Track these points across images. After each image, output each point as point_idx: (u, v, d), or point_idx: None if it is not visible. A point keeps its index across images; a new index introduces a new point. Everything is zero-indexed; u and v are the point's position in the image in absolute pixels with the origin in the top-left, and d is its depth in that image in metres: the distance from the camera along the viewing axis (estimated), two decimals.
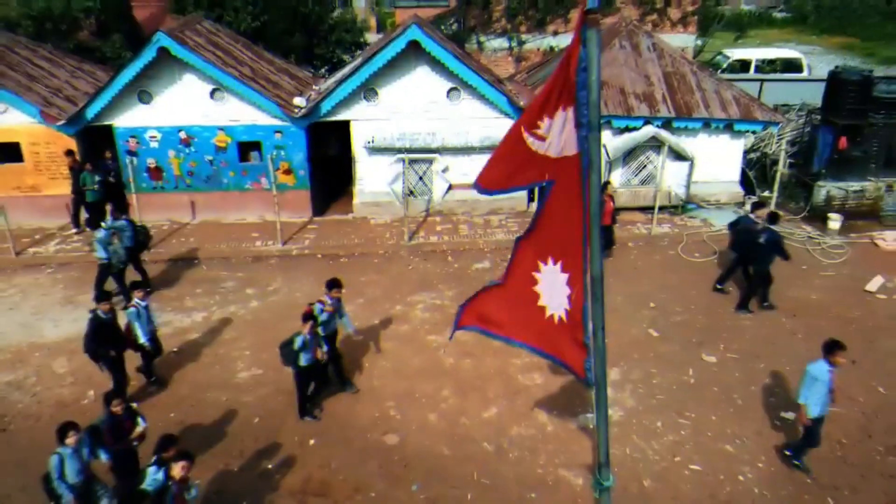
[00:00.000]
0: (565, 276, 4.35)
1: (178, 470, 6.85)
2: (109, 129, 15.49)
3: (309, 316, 9.30)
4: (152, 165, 15.80)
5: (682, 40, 23.17)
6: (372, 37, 26.62)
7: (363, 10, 34.47)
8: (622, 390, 10.32)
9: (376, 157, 16.08)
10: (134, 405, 8.31)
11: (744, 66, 26.33)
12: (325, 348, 9.55)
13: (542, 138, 3.82)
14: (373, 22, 33.98)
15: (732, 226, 12.95)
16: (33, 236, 15.49)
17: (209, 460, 9.00)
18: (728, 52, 27.81)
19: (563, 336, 4.40)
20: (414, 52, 14.99)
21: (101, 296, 9.72)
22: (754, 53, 27.34)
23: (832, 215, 15.96)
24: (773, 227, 12.07)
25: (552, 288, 4.43)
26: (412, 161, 15.97)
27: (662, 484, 8.61)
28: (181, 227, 15.97)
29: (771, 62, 26.59)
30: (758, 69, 26.04)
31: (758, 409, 9.92)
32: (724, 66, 25.99)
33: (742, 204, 17.05)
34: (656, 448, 9.18)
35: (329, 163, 17.87)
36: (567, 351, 4.33)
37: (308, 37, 21.59)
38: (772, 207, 15.86)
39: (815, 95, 18.96)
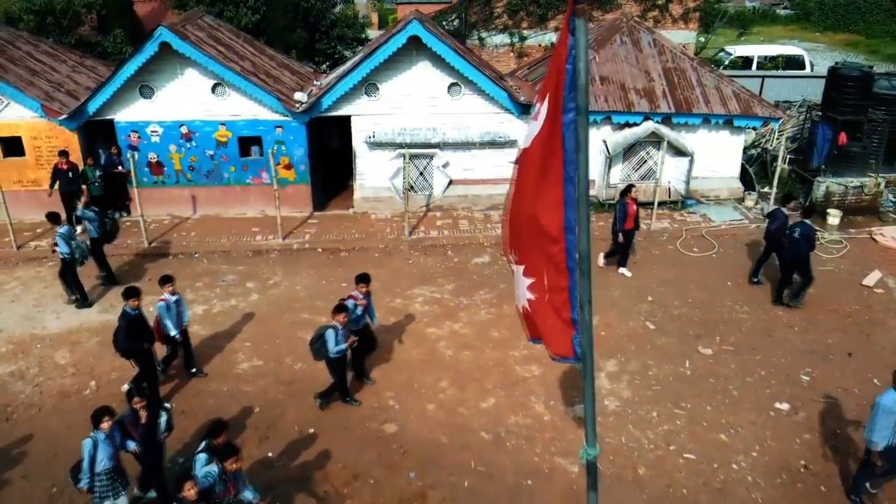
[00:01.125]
0: (521, 268, 4.37)
1: (231, 464, 6.86)
2: (108, 123, 15.59)
3: (342, 308, 9.33)
4: (153, 160, 15.89)
5: (683, 37, 23.19)
6: (373, 33, 26.69)
7: (364, 7, 34.55)
8: (619, 381, 10.40)
9: (377, 152, 16.16)
10: (167, 405, 8.37)
11: (746, 62, 26.38)
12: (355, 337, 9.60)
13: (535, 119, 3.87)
14: (374, 18, 34.07)
15: (769, 217, 13.12)
16: (34, 230, 15.59)
17: None
18: (730, 48, 27.87)
19: (539, 320, 4.39)
20: (415, 48, 15.06)
21: (129, 292, 9.64)
22: (756, 50, 27.39)
23: (831, 211, 16.01)
24: (807, 221, 12.14)
25: (517, 280, 4.48)
26: (413, 156, 16.03)
27: (657, 472, 8.69)
28: (182, 222, 16.06)
29: (773, 59, 26.64)
30: (760, 66, 26.09)
31: (753, 400, 9.99)
32: (726, 62, 26.04)
33: (742, 200, 17.11)
34: (651, 437, 9.26)
35: (330, 158, 17.95)
36: (550, 335, 4.33)
37: (309, 32, 21.66)
38: (771, 204, 15.98)
39: (816, 92, 19.02)
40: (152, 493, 8.25)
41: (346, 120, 15.94)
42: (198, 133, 15.67)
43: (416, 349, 11.35)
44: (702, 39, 26.92)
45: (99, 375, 10.68)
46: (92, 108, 15.11)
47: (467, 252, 14.83)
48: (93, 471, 7.42)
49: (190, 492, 6.32)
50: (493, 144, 16.09)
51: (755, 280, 13.33)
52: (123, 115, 15.45)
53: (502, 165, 16.21)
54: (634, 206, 13.35)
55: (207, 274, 13.78)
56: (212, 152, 15.87)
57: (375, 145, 16.03)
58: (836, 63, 17.40)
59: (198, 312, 12.41)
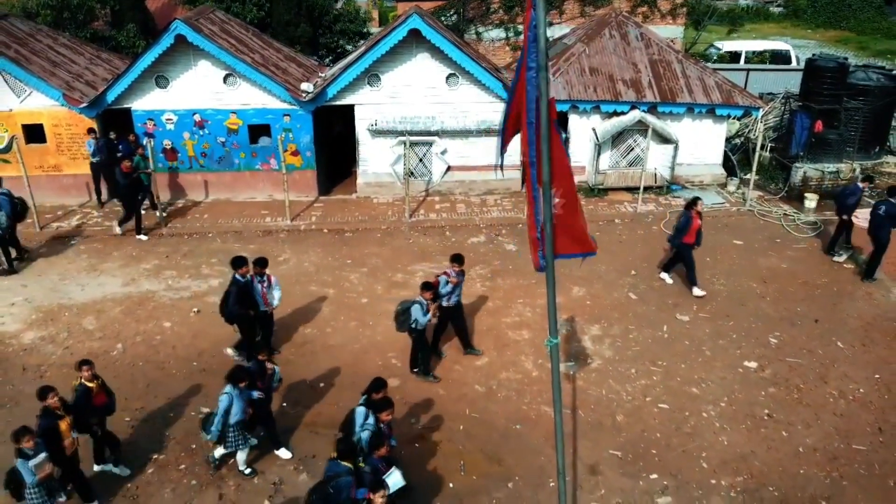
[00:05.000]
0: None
1: (385, 416, 7.69)
2: (120, 115, 16.52)
3: (429, 284, 9.97)
4: (168, 146, 16.81)
5: (671, 32, 24.10)
6: (374, 30, 27.59)
7: (365, 4, 35.45)
8: (601, 343, 11.36)
9: (379, 139, 17.08)
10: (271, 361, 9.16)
11: (734, 57, 27.35)
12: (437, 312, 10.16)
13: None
14: (375, 14, 34.97)
15: (845, 195, 13.86)
16: (56, 213, 16.51)
17: None
18: (719, 44, 28.83)
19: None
20: (415, 40, 15.98)
21: (238, 261, 10.23)
22: (744, 45, 28.35)
23: (808, 195, 16.94)
24: (892, 199, 12.91)
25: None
26: (413, 143, 16.94)
27: (634, 419, 9.65)
28: (195, 206, 16.99)
29: (759, 54, 27.61)
30: (747, 60, 27.05)
31: (724, 359, 10.96)
32: (715, 57, 27.01)
33: (724, 185, 18.05)
34: (629, 390, 10.22)
35: (334, 145, 18.88)
36: (532, 248, 5.42)
37: (313, 27, 22.57)
38: (751, 188, 16.94)
39: (798, 84, 19.92)
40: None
41: (350, 109, 16.86)
42: (210, 121, 16.59)
43: None
44: (692, 35, 27.84)
45: (125, 339, 11.62)
46: (111, 96, 16.04)
47: (464, 233, 15.75)
48: (226, 423, 8.28)
49: (380, 450, 7.27)
50: (489, 132, 17.01)
51: (835, 254, 14.20)
52: (140, 104, 16.38)
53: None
54: (699, 221, 12.53)
55: (221, 252, 14.69)
56: (223, 139, 16.79)
57: (377, 133, 16.95)
58: (814, 55, 18.34)
59: (213, 285, 13.34)
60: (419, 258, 14.52)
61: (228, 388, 8.26)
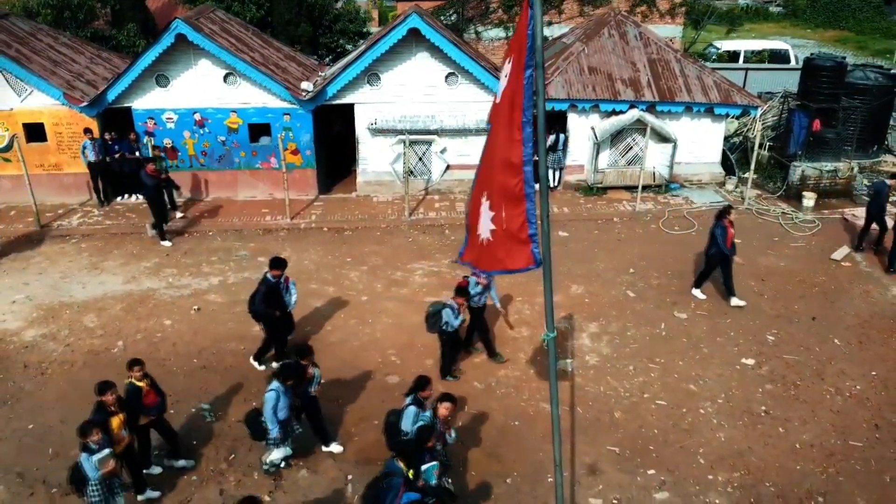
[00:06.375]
0: (488, 204, 5.41)
1: (443, 410, 7.55)
2: (119, 115, 16.57)
3: (462, 289, 9.99)
4: (168, 145, 16.86)
5: (670, 31, 24.19)
6: (374, 29, 27.65)
7: (365, 4, 35.50)
8: (599, 341, 11.42)
9: (378, 138, 17.14)
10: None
11: (732, 56, 27.46)
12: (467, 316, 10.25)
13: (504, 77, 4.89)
14: (375, 14, 35.01)
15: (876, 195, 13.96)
16: (56, 211, 16.57)
17: (230, 396, 10.13)
18: (718, 43, 28.93)
19: (493, 251, 5.46)
20: (414, 39, 16.04)
21: (278, 262, 10.29)
22: (743, 45, 28.46)
23: (806, 193, 17.00)
24: None
25: (484, 217, 5.50)
26: (412, 142, 17.01)
27: (631, 415, 9.71)
28: (195, 204, 17.05)
29: (758, 53, 27.69)
30: (746, 60, 27.15)
31: (721, 357, 11.02)
32: (714, 56, 27.10)
33: (723, 184, 18.11)
34: (627, 387, 10.29)
35: (334, 144, 18.94)
36: (501, 259, 5.40)
37: (313, 26, 22.63)
38: (749, 187, 17.00)
39: (797, 83, 19.96)
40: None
41: (350, 108, 16.92)
42: (210, 120, 16.65)
43: (416, 315, 12.23)
44: (692, 37, 27.93)
45: (126, 336, 11.68)
46: (111, 95, 16.09)
47: (463, 232, 15.73)
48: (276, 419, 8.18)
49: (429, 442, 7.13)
50: (488, 131, 17.03)
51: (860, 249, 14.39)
52: (140, 103, 16.44)
53: None
54: (732, 230, 12.26)
55: (222, 250, 14.76)
56: (223, 138, 16.85)
57: (377, 132, 17.01)
58: (812, 54, 18.40)
59: (214, 283, 13.41)
60: (419, 256, 14.58)
61: (275, 384, 8.17)
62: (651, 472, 8.79)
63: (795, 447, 9.20)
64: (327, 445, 9.08)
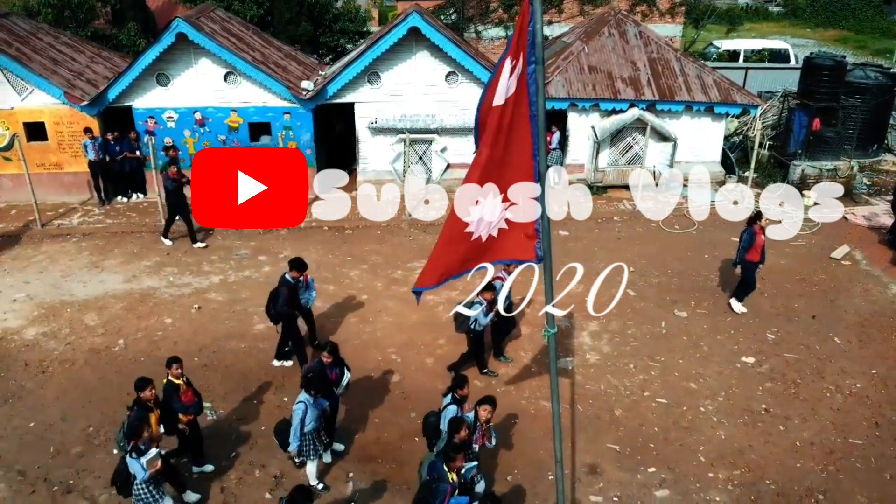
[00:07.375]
0: (499, 198, 5.43)
1: (483, 413, 7.51)
2: (119, 113, 16.61)
3: (492, 286, 9.91)
4: (169, 144, 16.86)
5: (670, 30, 24.23)
6: (375, 29, 27.67)
7: (365, 3, 35.54)
8: (600, 339, 11.43)
9: (379, 137, 17.16)
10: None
11: (732, 56, 27.45)
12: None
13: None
14: (375, 13, 35.04)
15: None
16: (57, 210, 16.57)
17: (231, 395, 10.14)
18: (718, 43, 28.93)
19: (501, 243, 5.50)
20: (415, 38, 16.06)
21: (294, 264, 10.28)
22: (742, 44, 28.46)
23: (806, 192, 17.00)
24: None
25: (485, 216, 5.47)
26: (412, 141, 17.02)
27: (632, 413, 9.72)
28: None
29: (758, 52, 27.70)
30: (746, 59, 27.15)
31: (721, 355, 11.03)
32: (714, 56, 27.09)
33: (723, 183, 18.12)
34: (627, 385, 10.30)
35: (334, 143, 18.94)
36: (510, 250, 5.45)
37: (313, 25, 22.65)
38: (749, 186, 17.01)
39: (797, 83, 19.99)
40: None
41: (350, 107, 16.93)
42: (211, 119, 16.66)
43: (416, 313, 12.33)
44: (692, 36, 27.94)
45: (126, 335, 11.69)
46: (112, 94, 16.11)
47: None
48: (302, 432, 7.99)
49: (460, 433, 7.09)
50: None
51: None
52: (141, 102, 16.45)
53: None
54: (763, 237, 11.66)
55: (222, 248, 14.77)
56: (224, 137, 16.86)
57: (377, 131, 17.03)
58: (811, 53, 18.42)
59: (214, 281, 13.41)
60: (418, 255, 14.57)
61: (303, 395, 8.01)
62: (651, 469, 8.80)
63: (796, 445, 9.21)
64: (330, 444, 9.09)
